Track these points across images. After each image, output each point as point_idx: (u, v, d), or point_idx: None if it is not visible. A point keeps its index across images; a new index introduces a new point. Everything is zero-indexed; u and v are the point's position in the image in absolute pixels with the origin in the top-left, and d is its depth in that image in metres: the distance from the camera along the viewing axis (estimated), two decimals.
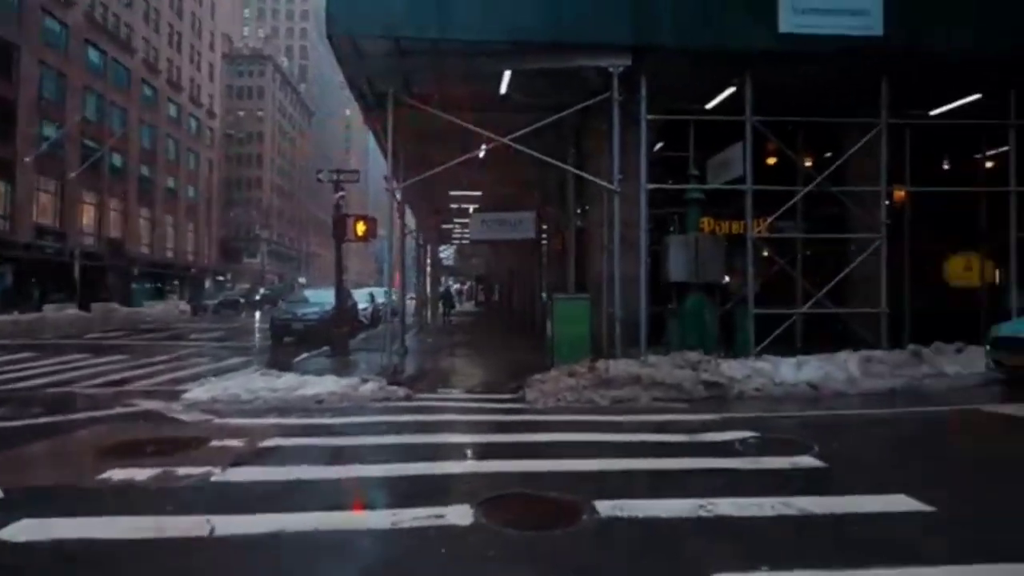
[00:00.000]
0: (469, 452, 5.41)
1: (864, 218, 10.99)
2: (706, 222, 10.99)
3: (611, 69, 9.72)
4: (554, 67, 9.93)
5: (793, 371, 9.19)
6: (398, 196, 13.37)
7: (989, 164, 12.92)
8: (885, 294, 10.51)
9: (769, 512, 3.72)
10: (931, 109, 11.70)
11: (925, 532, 3.51)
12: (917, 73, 10.55)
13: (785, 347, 10.17)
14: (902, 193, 12.04)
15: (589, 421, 6.72)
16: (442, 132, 14.02)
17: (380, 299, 23.60)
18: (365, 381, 8.30)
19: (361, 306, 22.56)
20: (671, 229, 11.18)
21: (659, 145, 12.74)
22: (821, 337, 10.70)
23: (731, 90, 10.66)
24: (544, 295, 17.31)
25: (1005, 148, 11.18)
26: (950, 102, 11.47)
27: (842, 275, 10.70)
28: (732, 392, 8.61)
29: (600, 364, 8.84)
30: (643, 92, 9.92)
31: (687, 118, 10.97)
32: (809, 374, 9.14)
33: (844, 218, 11.80)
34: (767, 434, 5.92)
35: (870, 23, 9.62)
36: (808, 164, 12.36)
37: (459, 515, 3.70)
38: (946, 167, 14.12)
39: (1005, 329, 8.84)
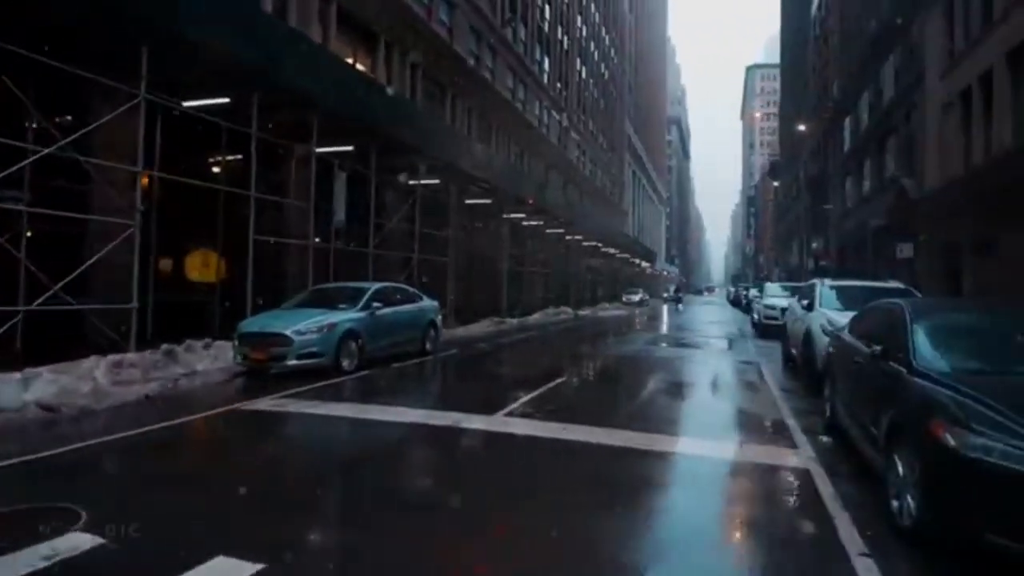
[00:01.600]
0: None
1: (113, 199, 9.55)
2: None
3: None
4: None
5: (18, 390, 6.91)
6: None
7: (232, 167, 13.76)
8: (137, 288, 9.42)
9: None
10: (188, 100, 11.39)
11: None
12: (178, 56, 10.00)
13: (5, 357, 7.59)
14: (145, 180, 11.20)
15: None
16: None
17: None
18: None
19: None
20: None
21: None
22: (59, 340, 8.57)
23: None
24: None
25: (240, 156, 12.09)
26: (206, 98, 11.48)
27: (87, 264, 8.92)
28: None
29: None
30: None
31: None
32: (42, 391, 7.09)
33: (87, 196, 9.97)
34: None
35: None
36: (36, 126, 9.79)
37: None
38: (195, 162, 14.22)
39: (249, 326, 9.37)
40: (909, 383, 3.95)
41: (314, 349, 8.91)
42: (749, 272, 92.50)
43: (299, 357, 8.80)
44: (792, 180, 56.90)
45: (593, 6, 53.05)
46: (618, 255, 51.86)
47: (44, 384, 7.18)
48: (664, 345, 15.77)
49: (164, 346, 9.05)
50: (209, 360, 9.49)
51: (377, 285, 10.98)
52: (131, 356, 8.52)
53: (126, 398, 7.47)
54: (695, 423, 7.43)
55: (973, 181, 17.26)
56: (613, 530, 3.85)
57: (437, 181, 19.78)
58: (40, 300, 8.34)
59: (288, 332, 8.81)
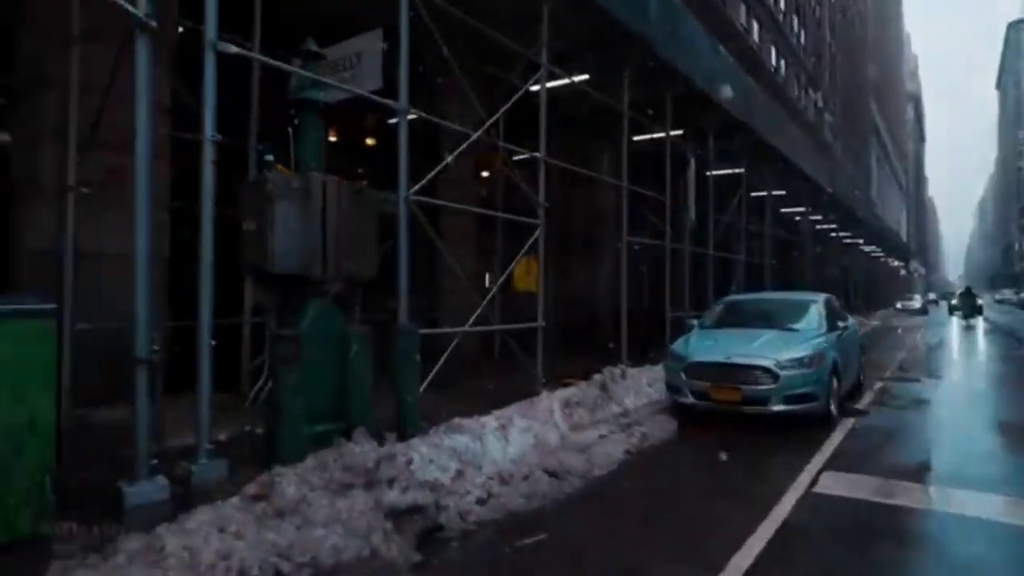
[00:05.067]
0: None
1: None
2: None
3: None
4: None
5: (501, 444, 5.19)
6: None
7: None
8: (543, 300, 7.69)
9: None
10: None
11: None
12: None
13: (440, 387, 6.11)
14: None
15: None
16: None
17: None
18: None
19: None
20: (267, 161, 5.23)
21: None
22: (476, 364, 7.05)
23: None
24: None
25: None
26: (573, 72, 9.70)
27: (508, 271, 7.34)
28: (443, 518, 4.00)
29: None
30: None
31: None
32: (523, 444, 5.34)
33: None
34: None
35: None
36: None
37: None
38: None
39: (700, 352, 6.87)
40: None
41: (806, 390, 6.32)
42: None
43: (787, 400, 6.28)
44: None
45: None
46: (872, 253, 44.25)
47: (519, 433, 5.45)
48: None
49: (597, 376, 7.14)
50: (633, 394, 7.44)
51: (822, 296, 8.17)
52: (575, 392, 6.68)
53: (611, 456, 5.48)
54: None
55: None
56: None
57: (741, 171, 16.70)
58: (472, 319, 6.82)
59: (771, 365, 6.33)
